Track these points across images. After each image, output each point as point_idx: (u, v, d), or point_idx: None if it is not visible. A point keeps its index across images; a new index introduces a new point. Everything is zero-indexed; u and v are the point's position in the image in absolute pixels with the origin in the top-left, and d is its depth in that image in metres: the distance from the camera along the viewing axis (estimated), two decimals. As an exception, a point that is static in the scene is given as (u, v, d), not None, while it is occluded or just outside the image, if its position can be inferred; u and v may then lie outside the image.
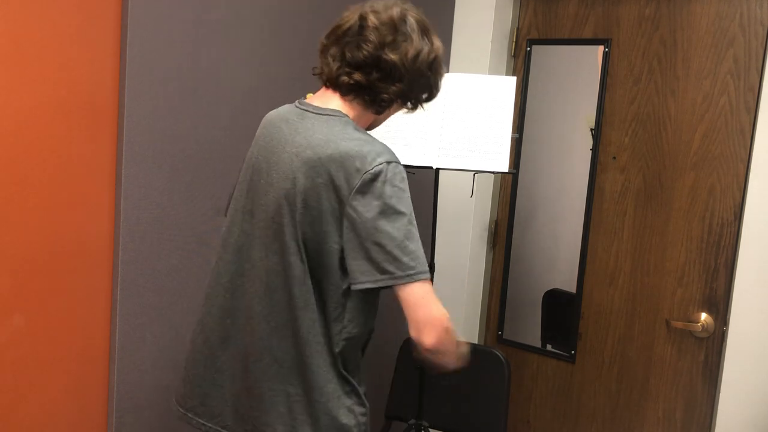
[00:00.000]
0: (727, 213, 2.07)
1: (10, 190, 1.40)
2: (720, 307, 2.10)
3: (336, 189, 1.24)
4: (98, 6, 1.50)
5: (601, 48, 2.25)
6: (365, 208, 1.21)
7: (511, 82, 1.89)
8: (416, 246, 1.23)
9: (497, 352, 2.10)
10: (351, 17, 1.32)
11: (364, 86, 1.31)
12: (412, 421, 1.99)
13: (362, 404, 1.35)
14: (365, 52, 1.29)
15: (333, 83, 1.34)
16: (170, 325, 1.72)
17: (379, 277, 1.21)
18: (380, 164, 1.23)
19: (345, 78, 1.31)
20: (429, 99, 1.42)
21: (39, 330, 1.49)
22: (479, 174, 1.95)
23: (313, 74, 1.40)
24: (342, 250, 1.25)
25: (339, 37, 1.33)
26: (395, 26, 1.30)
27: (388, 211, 1.21)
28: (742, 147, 2.04)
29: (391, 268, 1.21)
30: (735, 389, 2.01)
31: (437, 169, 1.90)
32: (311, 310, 1.29)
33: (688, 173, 2.12)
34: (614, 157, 2.25)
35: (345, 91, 1.33)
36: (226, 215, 1.49)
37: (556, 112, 2.35)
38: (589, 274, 2.32)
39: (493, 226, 2.53)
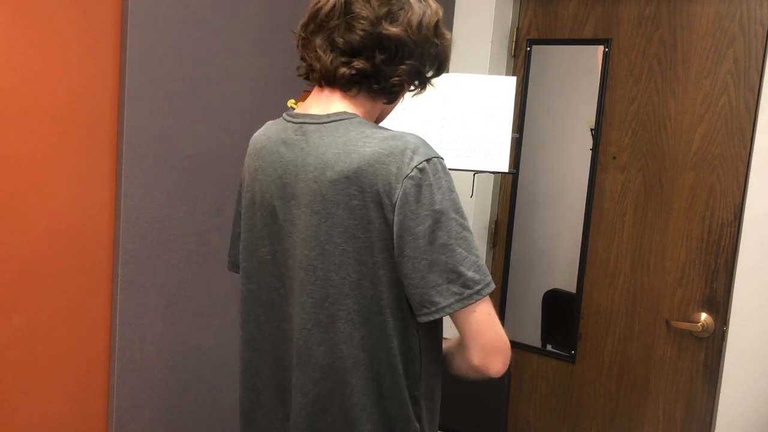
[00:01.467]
0: (727, 213, 2.07)
1: (10, 190, 1.40)
2: (720, 307, 2.10)
3: (378, 205, 1.01)
4: (98, 6, 1.50)
5: (601, 48, 2.25)
6: (414, 221, 1.00)
7: (511, 82, 1.89)
8: (476, 254, 1.03)
9: (497, 352, 2.10)
10: None
11: (370, 73, 1.07)
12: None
13: None
14: (360, 32, 1.05)
15: (329, 79, 1.09)
16: (170, 325, 1.72)
17: (456, 297, 1.00)
18: (420, 164, 1.01)
19: (344, 69, 1.07)
20: (439, 72, 1.17)
21: (39, 330, 1.49)
22: (479, 174, 1.95)
23: (298, 75, 1.16)
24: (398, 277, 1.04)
25: (321, 22, 1.08)
26: None
27: (441, 220, 1.00)
28: (742, 147, 2.04)
29: (466, 281, 1.01)
30: (735, 389, 2.01)
31: (437, 169, 1.90)
32: (366, 369, 1.06)
33: (688, 173, 2.12)
34: (614, 157, 2.25)
35: (347, 85, 1.09)
36: (233, 269, 1.29)
37: (556, 112, 2.35)
38: (589, 274, 2.32)
39: (493, 226, 2.53)
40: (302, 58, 1.14)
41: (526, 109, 2.40)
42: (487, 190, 2.50)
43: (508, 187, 2.47)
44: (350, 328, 1.05)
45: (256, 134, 1.21)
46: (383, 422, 1.09)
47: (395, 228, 1.01)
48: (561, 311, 2.38)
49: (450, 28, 2.46)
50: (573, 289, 2.35)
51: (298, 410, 1.10)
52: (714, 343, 2.11)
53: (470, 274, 1.01)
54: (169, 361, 1.73)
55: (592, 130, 2.28)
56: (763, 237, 1.96)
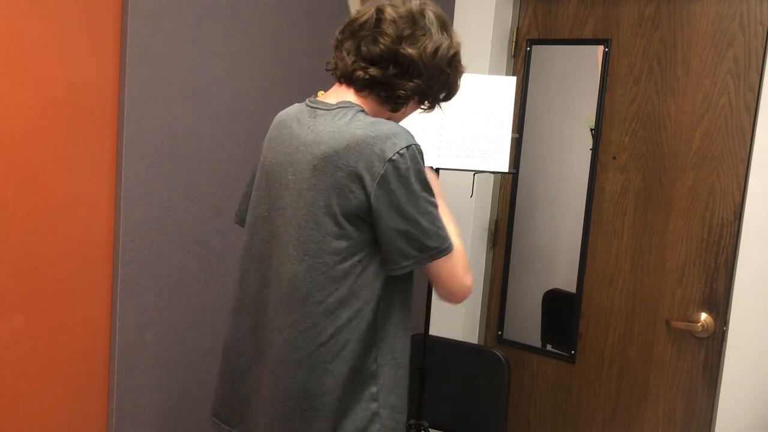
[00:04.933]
0: (727, 213, 2.07)
1: (10, 190, 1.40)
2: (720, 307, 2.10)
3: (359, 179, 1.19)
4: (98, 6, 1.50)
5: (601, 48, 2.25)
6: (391, 197, 1.19)
7: (511, 82, 1.89)
8: (439, 224, 1.24)
9: (497, 352, 2.10)
10: (368, 11, 1.28)
11: (380, 82, 1.26)
12: (412, 421, 1.99)
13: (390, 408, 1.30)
14: (382, 46, 1.24)
15: (347, 78, 1.29)
16: (170, 325, 1.72)
17: (415, 258, 1.22)
18: (401, 150, 1.19)
19: (360, 73, 1.26)
20: (447, 98, 1.37)
21: (39, 330, 1.49)
22: (479, 174, 1.95)
23: (327, 69, 1.35)
24: (375, 241, 1.23)
25: (354, 30, 1.28)
26: (414, 19, 1.25)
27: (414, 197, 1.20)
28: (742, 147, 2.04)
29: (424, 247, 1.22)
30: (735, 389, 2.01)
31: (437, 169, 1.90)
32: (337, 316, 1.24)
33: (688, 173, 2.12)
34: (614, 157, 2.25)
35: (360, 86, 1.28)
36: (239, 223, 1.47)
37: (556, 112, 2.35)
38: (589, 274, 2.32)
39: (493, 226, 2.53)
40: (334, 56, 1.33)
41: (526, 109, 2.40)
42: (487, 190, 2.50)
43: (508, 187, 2.47)
44: (325, 278, 1.23)
45: (281, 111, 1.39)
46: (353, 347, 1.25)
47: (373, 200, 1.19)
48: (561, 311, 2.38)
49: (450, 28, 2.46)
50: (573, 289, 2.35)
51: (280, 344, 1.27)
52: (714, 343, 2.11)
53: (429, 242, 1.22)
54: (169, 361, 1.73)
55: (592, 130, 2.28)
56: (763, 237, 1.96)
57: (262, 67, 1.86)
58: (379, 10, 1.26)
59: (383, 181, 1.18)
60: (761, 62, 2.00)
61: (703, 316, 2.12)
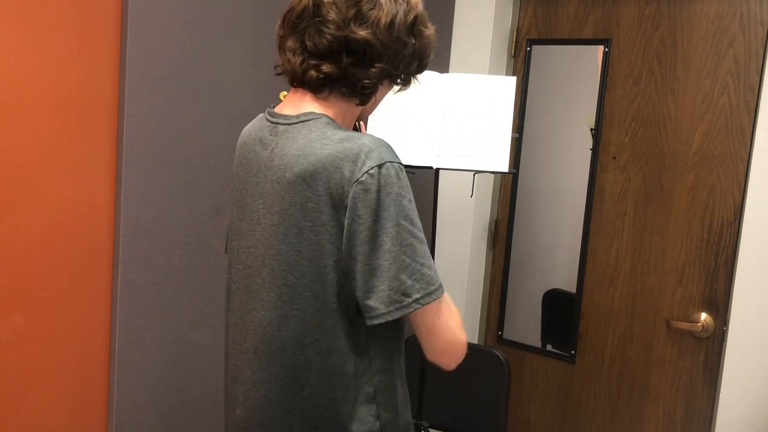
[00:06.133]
0: (727, 213, 2.07)
1: (10, 190, 1.40)
2: (720, 307, 2.10)
3: (331, 208, 1.02)
4: (98, 6, 1.50)
5: (601, 48, 2.25)
6: (361, 226, 1.00)
7: (511, 82, 1.89)
8: (423, 260, 1.02)
9: (497, 352, 2.10)
10: None
11: (337, 77, 1.07)
12: (412, 421, 1.98)
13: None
14: (328, 36, 1.05)
15: (300, 81, 1.11)
16: (170, 325, 1.72)
17: (397, 304, 1.01)
18: (371, 169, 1.00)
19: (312, 72, 1.07)
20: (420, 69, 1.17)
21: (39, 330, 1.49)
22: (479, 174, 1.95)
23: (276, 74, 1.18)
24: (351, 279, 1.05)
25: (293, 24, 1.09)
26: None
27: (387, 226, 1.01)
28: (742, 147, 2.04)
29: (396, 296, 1.01)
30: (735, 389, 2.01)
31: (437, 169, 1.90)
32: (318, 371, 1.07)
33: (688, 173, 2.12)
34: (614, 157, 2.25)
35: (316, 87, 1.09)
36: (226, 252, 1.30)
37: (556, 112, 2.35)
38: (589, 274, 2.32)
39: (493, 226, 2.53)
40: (280, 58, 1.16)
41: (526, 109, 2.40)
42: (487, 190, 2.50)
43: (508, 187, 2.47)
44: (302, 328, 1.06)
45: (244, 128, 1.23)
46: (339, 421, 1.09)
47: (345, 231, 1.01)
48: (561, 311, 2.38)
49: (450, 28, 2.46)
50: (573, 289, 2.35)
51: (252, 404, 1.12)
52: (714, 343, 2.11)
53: (410, 282, 1.01)
54: (169, 361, 1.73)
55: (592, 130, 2.28)
56: (763, 237, 1.96)
57: (262, 67, 1.86)
58: None
59: (352, 206, 1.00)
60: (761, 62, 2.00)
61: (703, 316, 2.12)
